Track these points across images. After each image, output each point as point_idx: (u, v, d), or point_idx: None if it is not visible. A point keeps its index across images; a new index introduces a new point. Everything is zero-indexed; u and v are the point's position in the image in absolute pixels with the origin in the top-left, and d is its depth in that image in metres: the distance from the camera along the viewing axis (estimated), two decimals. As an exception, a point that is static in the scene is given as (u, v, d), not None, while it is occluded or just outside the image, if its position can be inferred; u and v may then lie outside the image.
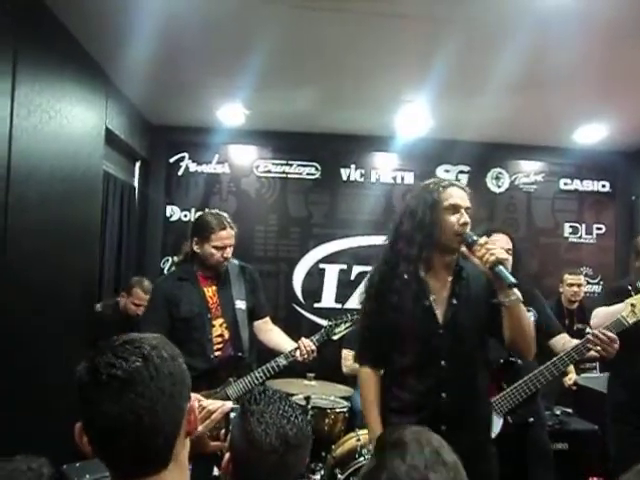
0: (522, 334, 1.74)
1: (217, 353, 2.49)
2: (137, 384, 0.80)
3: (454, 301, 1.80)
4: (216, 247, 2.49)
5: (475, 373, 1.85)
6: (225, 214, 2.59)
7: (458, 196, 1.80)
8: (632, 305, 2.12)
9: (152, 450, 0.82)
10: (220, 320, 2.54)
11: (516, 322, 1.71)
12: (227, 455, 1.24)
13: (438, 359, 1.78)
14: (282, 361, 2.52)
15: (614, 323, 2.11)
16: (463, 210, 1.78)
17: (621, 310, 2.17)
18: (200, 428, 1.32)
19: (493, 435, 2.22)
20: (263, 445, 1.14)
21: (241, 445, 1.19)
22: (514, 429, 2.24)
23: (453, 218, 1.76)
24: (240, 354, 2.53)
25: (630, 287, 2.46)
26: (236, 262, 2.68)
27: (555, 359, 2.19)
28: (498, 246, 1.74)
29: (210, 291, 2.57)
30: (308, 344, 2.51)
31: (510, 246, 2.43)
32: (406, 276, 1.79)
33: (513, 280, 1.65)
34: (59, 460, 2.29)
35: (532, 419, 2.29)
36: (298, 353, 2.51)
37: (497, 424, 2.24)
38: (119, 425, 0.79)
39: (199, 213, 2.86)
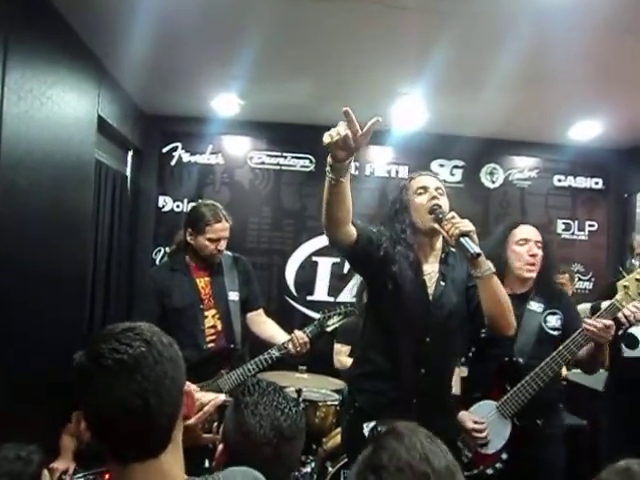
0: (499, 307, 1.76)
1: (210, 345, 2.48)
2: (143, 368, 0.83)
3: (442, 282, 1.88)
4: (210, 239, 2.48)
5: (453, 356, 1.98)
6: (220, 206, 2.57)
7: (426, 180, 1.92)
8: (625, 287, 2.01)
9: (156, 432, 0.85)
10: (213, 311, 2.53)
11: (491, 295, 1.74)
12: (220, 447, 1.23)
13: (424, 334, 1.85)
14: (275, 353, 2.50)
15: (609, 308, 2.02)
16: (432, 189, 1.88)
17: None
18: (193, 420, 1.32)
19: (503, 441, 2.11)
20: (257, 437, 1.14)
21: (235, 437, 1.19)
22: (522, 431, 2.13)
23: (422, 198, 1.87)
24: (232, 346, 2.52)
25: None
26: (229, 253, 2.66)
27: (554, 354, 2.08)
28: (466, 220, 1.74)
29: (203, 282, 2.56)
30: (301, 336, 2.50)
31: (540, 238, 2.26)
32: (402, 252, 1.86)
33: (477, 250, 1.67)
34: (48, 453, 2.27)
35: (540, 421, 2.14)
36: (291, 345, 2.50)
37: (506, 428, 2.13)
38: (127, 409, 0.81)
39: (194, 203, 2.82)
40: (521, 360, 2.16)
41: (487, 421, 2.13)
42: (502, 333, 1.87)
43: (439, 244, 1.93)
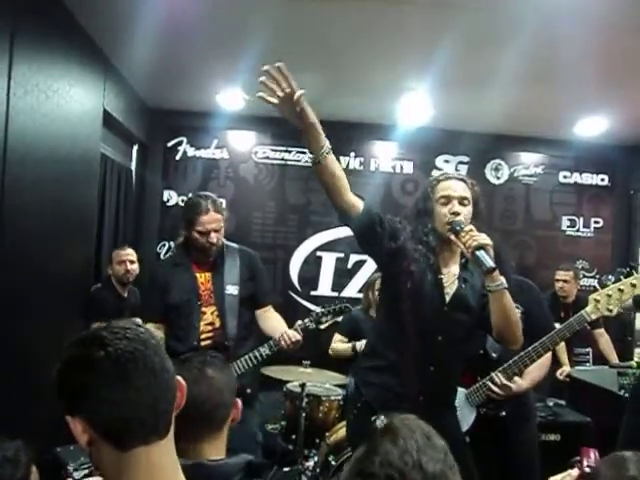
0: (507, 322, 1.77)
1: (207, 342, 2.39)
2: (148, 359, 0.86)
3: (461, 285, 1.88)
4: (200, 232, 2.39)
5: (462, 356, 1.99)
6: (214, 196, 2.47)
7: (451, 188, 1.87)
8: (596, 300, 2.06)
9: (166, 416, 0.88)
10: (212, 308, 2.46)
11: (501, 308, 1.76)
12: None
13: (436, 334, 1.85)
14: (265, 350, 2.44)
15: (577, 319, 2.05)
16: (455, 200, 1.85)
17: None
18: None
19: (466, 426, 2.21)
20: (190, 362, 1.34)
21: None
22: (486, 423, 2.23)
23: (444, 209, 1.85)
24: (225, 342, 2.42)
25: None
26: (235, 246, 2.59)
27: (516, 357, 2.16)
28: (483, 234, 1.74)
29: (203, 277, 2.49)
30: (292, 335, 2.42)
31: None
32: (422, 252, 1.87)
33: (492, 265, 1.69)
34: (53, 441, 2.29)
35: (504, 413, 2.24)
36: (283, 343, 2.42)
37: (471, 415, 2.24)
38: (141, 399, 0.84)
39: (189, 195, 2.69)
40: (494, 355, 2.24)
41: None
42: (508, 346, 1.91)
43: (459, 249, 1.90)
